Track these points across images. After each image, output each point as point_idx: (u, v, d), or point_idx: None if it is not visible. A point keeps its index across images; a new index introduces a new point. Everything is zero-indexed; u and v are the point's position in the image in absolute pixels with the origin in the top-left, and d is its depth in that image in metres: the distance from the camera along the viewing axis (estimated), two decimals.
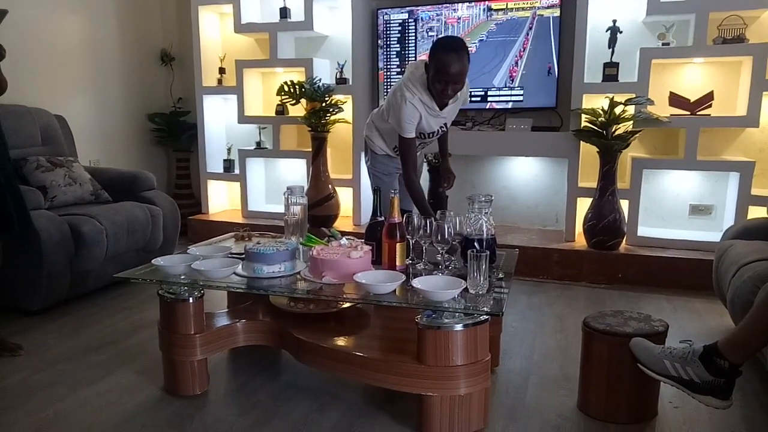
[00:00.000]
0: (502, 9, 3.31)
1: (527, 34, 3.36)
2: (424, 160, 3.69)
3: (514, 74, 3.46)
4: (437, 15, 3.53)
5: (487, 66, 3.46)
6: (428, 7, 3.65)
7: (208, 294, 2.09)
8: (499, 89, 3.72)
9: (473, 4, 3.56)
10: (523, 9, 3.41)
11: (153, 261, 2.05)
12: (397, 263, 1.96)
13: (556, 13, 3.52)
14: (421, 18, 3.44)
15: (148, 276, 2.07)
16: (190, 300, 2.00)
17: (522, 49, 3.41)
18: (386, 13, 3.91)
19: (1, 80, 2.34)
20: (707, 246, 3.26)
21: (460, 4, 3.64)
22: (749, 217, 3.21)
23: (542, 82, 3.61)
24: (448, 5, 3.74)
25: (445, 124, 2.56)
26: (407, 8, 3.83)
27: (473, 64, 3.56)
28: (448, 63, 2.18)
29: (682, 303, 3.04)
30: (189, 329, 2.01)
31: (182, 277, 2.01)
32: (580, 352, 1.95)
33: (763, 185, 3.44)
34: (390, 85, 3.97)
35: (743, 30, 3.26)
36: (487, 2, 3.56)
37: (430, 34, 3.78)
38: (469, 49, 2.30)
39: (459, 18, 3.29)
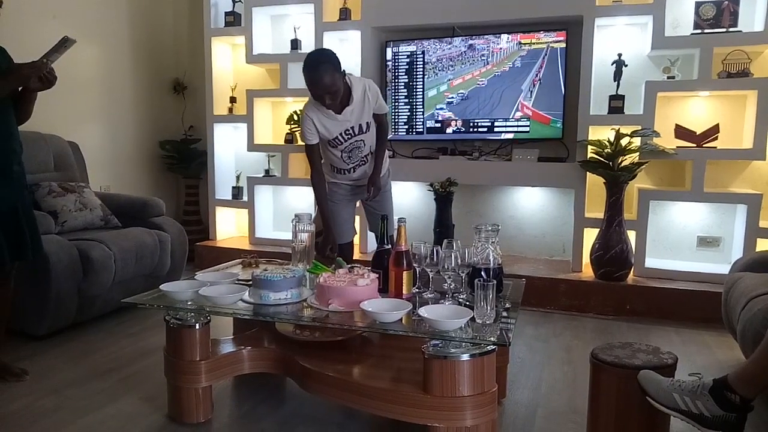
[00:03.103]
0: (527, 43, 3.74)
1: (542, 62, 3.71)
2: (429, 188, 3.72)
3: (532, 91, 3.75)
4: (487, 46, 3.77)
5: (513, 87, 3.80)
6: (481, 40, 3.80)
7: (215, 320, 2.09)
8: (506, 120, 3.78)
9: (510, 39, 3.74)
10: (539, 43, 3.70)
11: (160, 287, 2.06)
12: (404, 291, 1.97)
13: (563, 45, 3.62)
14: (476, 48, 3.79)
15: (155, 302, 2.08)
16: (197, 326, 2.00)
17: (537, 73, 3.72)
18: (395, 46, 3.99)
19: (28, 111, 2.40)
20: (716, 278, 3.24)
21: (500, 37, 3.76)
22: (758, 249, 3.19)
23: (552, 103, 3.69)
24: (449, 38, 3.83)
25: (357, 128, 2.63)
26: (414, 41, 3.92)
27: (501, 83, 3.73)
28: (310, 81, 2.41)
29: (691, 335, 3.00)
30: (194, 356, 2.00)
31: (189, 303, 2.01)
32: (588, 384, 1.92)
33: None
34: (398, 116, 4.03)
35: (748, 64, 3.30)
36: (518, 37, 3.73)
37: (437, 66, 3.86)
38: (334, 56, 2.49)
39: (501, 48, 3.76)
